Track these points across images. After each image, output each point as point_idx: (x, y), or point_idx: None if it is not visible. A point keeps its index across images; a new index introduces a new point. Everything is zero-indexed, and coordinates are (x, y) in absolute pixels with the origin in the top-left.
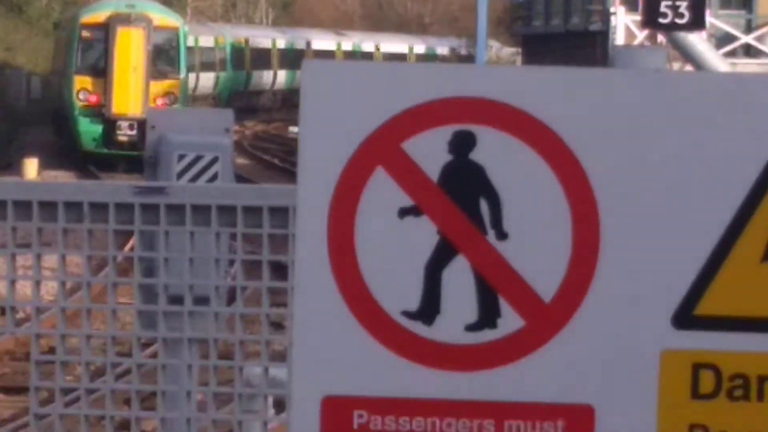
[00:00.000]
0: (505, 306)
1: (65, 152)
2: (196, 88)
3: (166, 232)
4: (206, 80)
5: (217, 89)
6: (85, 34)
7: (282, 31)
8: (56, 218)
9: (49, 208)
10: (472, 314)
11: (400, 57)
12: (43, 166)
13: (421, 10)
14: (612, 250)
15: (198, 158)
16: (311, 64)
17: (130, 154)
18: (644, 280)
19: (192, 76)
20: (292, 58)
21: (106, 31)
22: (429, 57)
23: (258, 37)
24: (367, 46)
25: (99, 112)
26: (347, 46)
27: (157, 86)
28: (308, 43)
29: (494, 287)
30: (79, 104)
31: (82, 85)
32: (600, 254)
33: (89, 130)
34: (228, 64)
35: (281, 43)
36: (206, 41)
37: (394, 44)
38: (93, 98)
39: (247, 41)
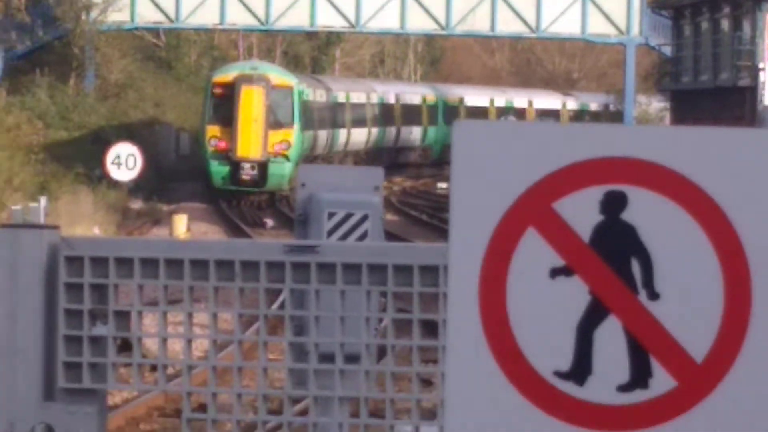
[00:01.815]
0: (656, 366)
1: (215, 210)
2: (397, 138)
3: (317, 290)
4: (409, 133)
5: (425, 142)
6: (216, 91)
7: (502, 90)
8: (207, 277)
9: (200, 266)
10: (624, 375)
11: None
12: (192, 220)
13: (569, 66)
14: (764, 309)
15: (348, 216)
16: (462, 125)
17: (251, 190)
18: None
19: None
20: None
21: (232, 88)
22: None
23: (473, 94)
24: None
25: (226, 155)
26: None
27: (275, 135)
28: (530, 102)
29: (646, 347)
30: (210, 149)
31: (212, 133)
32: (752, 314)
33: (218, 170)
34: (440, 118)
35: (500, 101)
36: (412, 99)
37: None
38: (222, 144)
39: (461, 100)
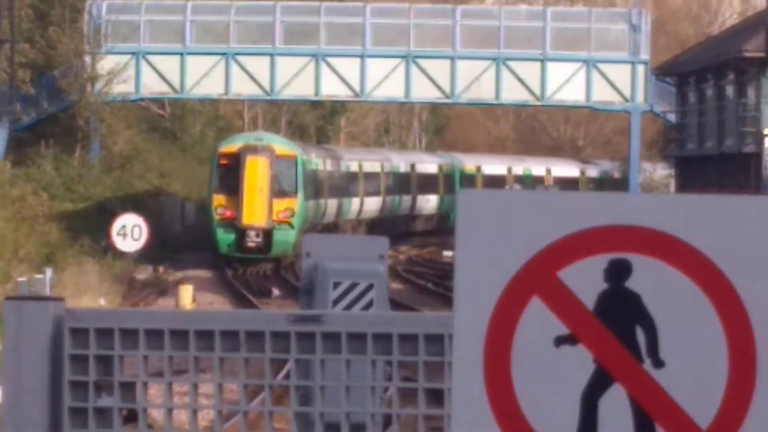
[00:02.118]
0: None
1: (220, 280)
2: (413, 207)
3: (322, 360)
4: (426, 201)
5: (442, 210)
6: (222, 161)
7: (520, 159)
8: (213, 347)
9: (205, 336)
10: None
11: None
12: (198, 290)
13: (575, 134)
14: None
15: (353, 285)
16: (467, 193)
17: (257, 257)
18: None
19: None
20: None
21: (238, 159)
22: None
23: (490, 163)
24: None
25: (232, 223)
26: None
27: (279, 203)
28: (548, 170)
29: (651, 415)
30: (216, 217)
31: (219, 202)
32: (757, 381)
33: (224, 238)
34: (457, 187)
35: (518, 170)
36: (428, 168)
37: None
38: (228, 212)
39: (479, 168)
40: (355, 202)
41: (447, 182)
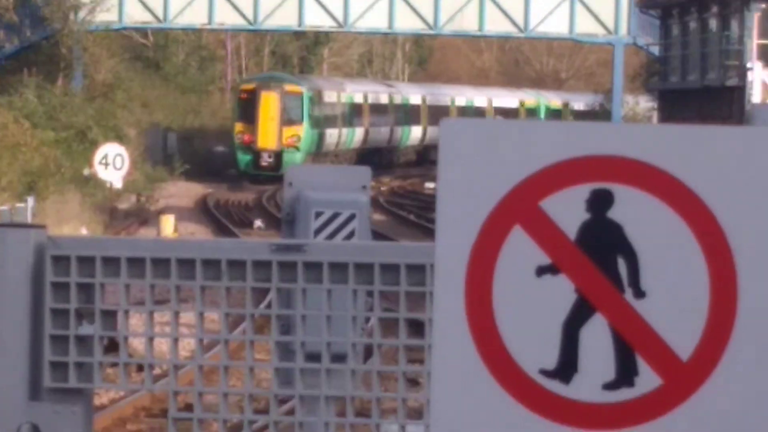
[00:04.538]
0: (642, 365)
1: (202, 210)
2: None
3: (304, 289)
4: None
5: None
6: (242, 96)
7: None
8: (194, 276)
9: (187, 265)
10: (609, 373)
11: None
12: (180, 220)
13: (558, 66)
14: (750, 307)
15: (335, 215)
16: (449, 122)
17: (269, 174)
18: None
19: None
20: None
21: (255, 94)
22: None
23: (578, 101)
24: None
25: (249, 146)
26: None
27: (287, 131)
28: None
29: (632, 345)
30: (237, 141)
31: (239, 129)
32: (738, 312)
33: (243, 158)
34: None
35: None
36: (509, 103)
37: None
38: (246, 137)
39: (566, 104)
40: (416, 130)
41: (530, 118)
